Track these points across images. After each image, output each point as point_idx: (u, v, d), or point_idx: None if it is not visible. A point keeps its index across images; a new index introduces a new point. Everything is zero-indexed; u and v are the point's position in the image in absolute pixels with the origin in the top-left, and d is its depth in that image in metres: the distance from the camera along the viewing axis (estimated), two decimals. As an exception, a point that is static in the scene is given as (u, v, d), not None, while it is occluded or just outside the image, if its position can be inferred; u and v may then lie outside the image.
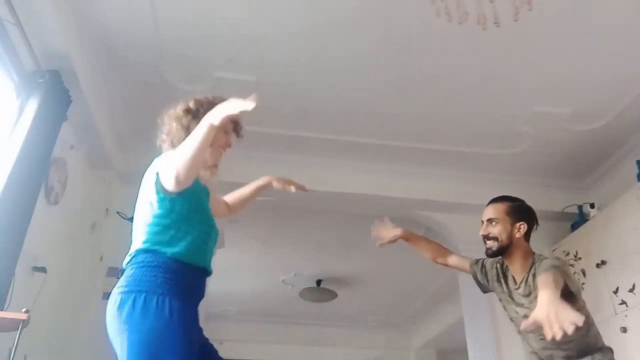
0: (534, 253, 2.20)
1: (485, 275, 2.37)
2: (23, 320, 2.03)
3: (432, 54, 3.20)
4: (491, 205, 2.29)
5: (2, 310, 2.25)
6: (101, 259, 3.68)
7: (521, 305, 2.18)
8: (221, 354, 1.76)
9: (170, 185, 1.63)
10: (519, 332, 2.22)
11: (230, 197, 2.19)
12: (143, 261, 1.62)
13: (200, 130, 1.54)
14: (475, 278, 2.45)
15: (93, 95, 3.25)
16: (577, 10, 2.88)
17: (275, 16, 2.96)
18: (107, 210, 3.83)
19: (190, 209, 1.70)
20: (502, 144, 4.03)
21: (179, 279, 1.60)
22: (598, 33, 3.03)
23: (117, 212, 3.74)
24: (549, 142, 3.97)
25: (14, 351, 2.07)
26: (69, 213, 3.30)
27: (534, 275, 2.09)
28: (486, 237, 2.24)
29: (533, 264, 2.14)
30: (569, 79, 3.39)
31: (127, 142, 3.87)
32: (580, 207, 4.22)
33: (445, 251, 2.59)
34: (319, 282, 6.52)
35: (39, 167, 2.68)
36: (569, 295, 1.94)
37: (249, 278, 6.51)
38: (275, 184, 2.18)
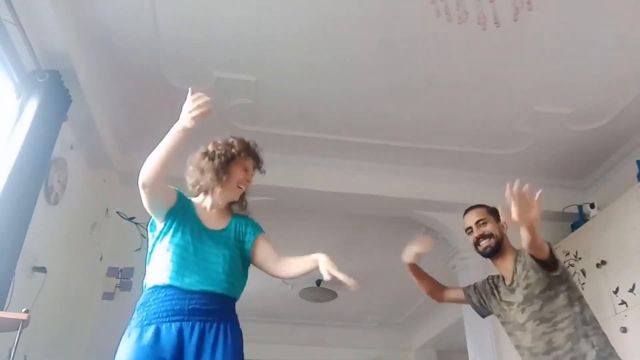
0: (515, 249, 2.30)
1: (480, 294, 2.42)
2: (23, 320, 2.03)
3: (432, 54, 3.20)
4: (471, 212, 2.40)
5: (2, 310, 2.25)
6: (101, 259, 3.68)
7: (511, 304, 2.22)
8: None
9: (142, 197, 1.76)
10: (517, 347, 2.25)
11: (285, 261, 2.04)
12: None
13: (172, 133, 1.71)
14: (471, 302, 2.48)
15: (93, 95, 3.25)
16: (577, 10, 2.88)
17: (275, 16, 2.96)
18: (107, 210, 3.83)
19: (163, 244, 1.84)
20: (502, 144, 4.03)
21: (154, 305, 1.74)
22: (598, 33, 3.03)
23: (117, 212, 3.74)
24: (549, 142, 3.97)
25: (14, 351, 2.07)
26: (69, 213, 3.30)
27: (522, 264, 2.19)
28: (481, 237, 2.29)
29: (517, 257, 2.25)
30: (569, 79, 3.39)
31: (127, 142, 3.87)
32: (580, 207, 4.22)
33: (442, 288, 2.60)
34: (319, 282, 6.52)
35: (39, 167, 2.68)
36: (557, 276, 2.10)
37: (248, 278, 6.51)
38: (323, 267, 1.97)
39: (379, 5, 2.88)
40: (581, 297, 2.15)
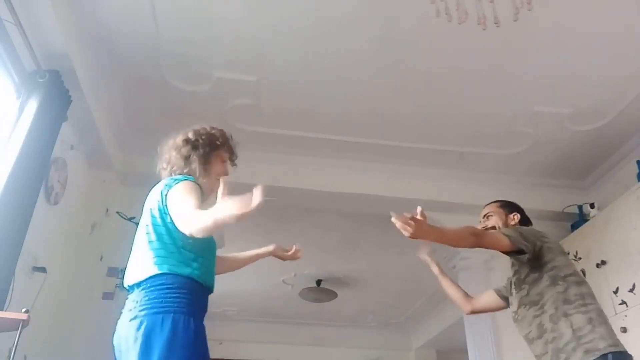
0: None
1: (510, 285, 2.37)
2: (23, 320, 2.03)
3: (432, 54, 3.20)
4: (484, 207, 2.44)
5: (2, 310, 2.25)
6: (101, 259, 3.68)
7: (512, 295, 2.22)
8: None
9: (183, 232, 1.65)
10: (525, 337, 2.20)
11: (227, 257, 2.22)
12: (163, 283, 1.64)
13: (226, 213, 1.53)
14: (500, 293, 2.46)
15: (93, 95, 3.25)
16: (577, 10, 2.88)
17: (275, 16, 2.96)
18: (107, 210, 3.82)
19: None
20: (502, 144, 4.03)
21: (195, 299, 1.66)
22: (598, 33, 3.03)
23: (117, 212, 3.73)
24: (549, 142, 3.97)
25: (14, 351, 2.07)
26: (69, 213, 3.30)
27: None
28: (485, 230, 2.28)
29: None
30: (569, 79, 3.39)
31: (127, 142, 3.87)
32: (580, 207, 4.22)
33: (471, 298, 2.56)
34: (319, 282, 6.51)
35: (39, 167, 2.68)
36: (533, 259, 2.08)
37: (249, 278, 6.50)
38: (276, 252, 2.29)
39: (378, 5, 2.88)
40: (569, 275, 2.07)
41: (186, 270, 1.66)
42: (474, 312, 2.55)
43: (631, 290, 3.33)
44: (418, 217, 1.79)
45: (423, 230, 1.80)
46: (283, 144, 3.99)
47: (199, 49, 3.19)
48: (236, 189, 2.30)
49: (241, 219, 1.53)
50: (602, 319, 1.97)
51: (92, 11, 2.90)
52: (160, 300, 1.60)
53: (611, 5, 2.86)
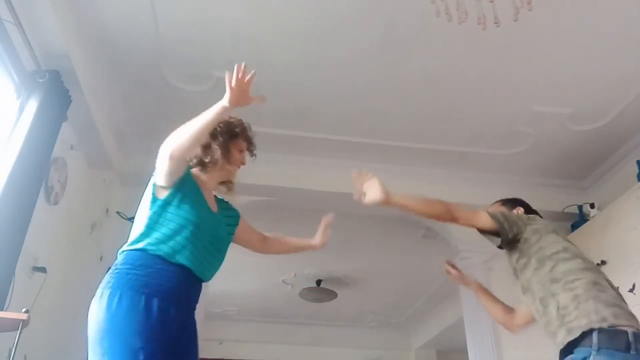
0: None
1: None
2: (23, 320, 2.04)
3: (432, 54, 3.20)
4: (488, 208, 2.33)
5: (2, 310, 2.25)
6: (101, 259, 3.67)
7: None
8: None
9: (162, 164, 1.67)
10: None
11: (274, 238, 2.22)
12: (124, 261, 1.68)
13: (211, 111, 1.64)
14: None
15: (93, 95, 3.25)
16: (577, 10, 2.88)
17: (275, 16, 2.96)
18: (107, 210, 3.82)
19: (180, 214, 1.72)
20: (502, 144, 4.03)
21: (159, 277, 1.63)
22: (598, 33, 3.03)
23: (117, 212, 3.73)
24: (549, 142, 3.97)
25: (14, 351, 2.07)
26: (69, 213, 3.30)
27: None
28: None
29: None
30: (569, 79, 3.39)
31: (127, 142, 3.87)
32: (580, 207, 4.22)
33: (511, 310, 2.29)
34: (319, 282, 6.52)
35: (39, 167, 2.68)
36: (515, 240, 1.99)
37: (249, 278, 6.51)
38: (317, 244, 2.35)
39: (378, 5, 2.88)
40: (557, 252, 1.91)
41: (160, 248, 1.65)
42: (520, 328, 2.27)
43: (631, 290, 3.33)
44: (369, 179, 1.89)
45: (379, 190, 1.92)
46: (283, 144, 3.99)
47: (199, 49, 3.19)
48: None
49: (221, 115, 1.64)
50: (590, 294, 1.74)
51: (92, 11, 2.90)
52: (115, 277, 1.62)
53: (611, 6, 2.86)
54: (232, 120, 1.94)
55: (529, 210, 2.26)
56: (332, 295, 6.57)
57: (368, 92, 3.54)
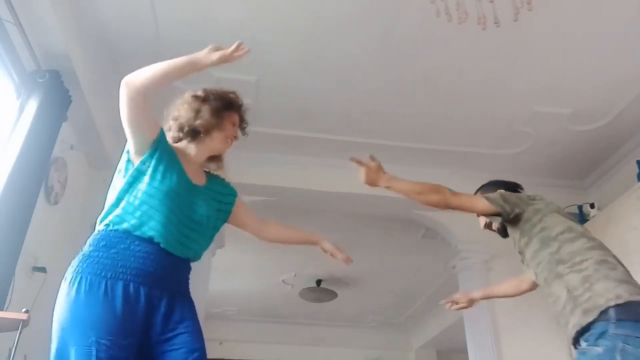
0: None
1: None
2: (23, 320, 2.03)
3: (432, 55, 3.20)
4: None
5: (2, 310, 2.25)
6: (101, 259, 3.67)
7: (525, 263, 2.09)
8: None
9: (121, 99, 1.56)
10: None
11: (274, 223, 2.04)
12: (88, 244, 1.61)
13: (179, 59, 1.60)
14: None
15: (93, 95, 3.25)
16: (577, 10, 2.88)
17: (275, 16, 2.96)
18: (107, 210, 3.82)
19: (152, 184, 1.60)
20: (502, 144, 4.03)
21: (114, 253, 1.53)
22: (598, 33, 3.03)
23: (117, 212, 3.72)
24: (549, 142, 3.97)
25: (14, 351, 2.07)
26: (69, 213, 3.29)
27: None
28: (486, 227, 2.22)
29: None
30: (569, 79, 3.39)
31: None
32: (580, 207, 4.21)
33: (519, 279, 2.35)
34: (319, 282, 6.52)
35: (39, 167, 2.68)
36: (517, 221, 1.99)
37: (249, 278, 6.51)
38: (325, 246, 2.02)
39: (378, 5, 2.88)
40: (561, 232, 1.89)
41: (124, 222, 1.55)
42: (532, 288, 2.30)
43: (631, 290, 3.32)
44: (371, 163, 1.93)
45: (377, 176, 1.97)
46: (283, 144, 3.99)
47: (199, 49, 3.18)
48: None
49: (191, 63, 1.63)
50: (600, 273, 1.74)
51: (92, 11, 2.90)
52: (78, 260, 1.56)
53: (611, 6, 2.86)
54: (225, 90, 1.84)
55: (510, 187, 2.21)
56: (332, 295, 6.57)
57: (368, 92, 3.54)
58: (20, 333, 2.03)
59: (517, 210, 1.98)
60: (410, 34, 3.05)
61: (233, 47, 1.64)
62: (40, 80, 2.74)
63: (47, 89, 2.74)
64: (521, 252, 2.05)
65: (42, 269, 2.86)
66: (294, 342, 7.71)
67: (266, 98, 3.57)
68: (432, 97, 3.57)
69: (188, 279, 1.69)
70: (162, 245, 1.55)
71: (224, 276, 5.93)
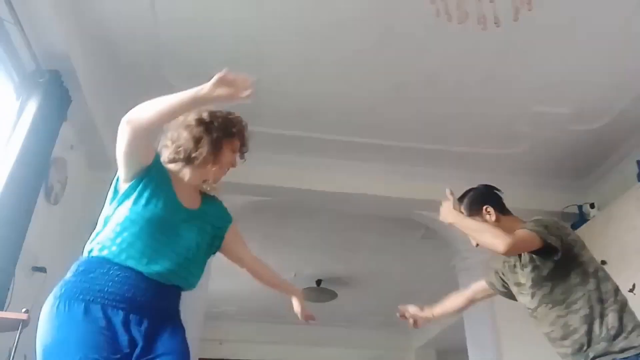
0: (523, 222, 2.08)
1: (500, 277, 2.24)
2: (23, 320, 2.03)
3: (432, 54, 3.20)
4: None
5: (2, 310, 2.25)
6: (101, 259, 3.67)
7: (522, 285, 2.09)
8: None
9: (120, 134, 1.54)
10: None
11: (265, 267, 2.00)
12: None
13: (184, 95, 1.53)
14: (497, 290, 2.29)
15: (93, 95, 3.25)
16: (576, 10, 2.88)
17: (275, 16, 2.96)
18: (107, 210, 3.82)
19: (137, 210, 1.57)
20: (502, 144, 4.03)
21: (93, 278, 1.51)
22: (598, 33, 3.03)
23: (117, 212, 3.72)
24: (549, 142, 3.97)
25: (14, 351, 2.07)
26: (69, 213, 3.29)
27: None
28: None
29: None
30: (569, 79, 3.39)
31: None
32: (580, 207, 4.22)
33: (468, 295, 2.41)
34: (319, 282, 6.52)
35: (39, 167, 2.68)
36: (561, 258, 1.93)
37: (249, 278, 6.49)
38: (295, 303, 2.00)
39: (378, 5, 2.88)
40: (597, 270, 1.96)
41: (104, 249, 1.54)
42: (469, 304, 2.42)
43: (631, 290, 3.32)
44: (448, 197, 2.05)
45: (447, 212, 2.05)
46: (283, 144, 3.99)
47: (198, 49, 3.19)
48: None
49: (195, 101, 1.53)
50: (632, 315, 1.89)
51: (92, 11, 2.90)
52: (59, 286, 1.54)
53: (611, 6, 2.86)
54: (230, 117, 1.79)
55: (497, 201, 2.18)
56: (332, 295, 6.57)
57: (368, 92, 3.54)
58: (20, 333, 2.03)
59: (564, 244, 1.94)
60: (410, 34, 3.05)
61: (241, 85, 1.61)
62: (40, 80, 2.74)
63: (47, 89, 2.74)
64: (542, 281, 1.99)
65: (42, 269, 2.86)
66: (294, 342, 7.70)
67: (266, 98, 3.57)
68: (432, 98, 3.57)
69: (177, 305, 1.64)
70: (145, 274, 1.51)
71: (224, 276, 5.92)
